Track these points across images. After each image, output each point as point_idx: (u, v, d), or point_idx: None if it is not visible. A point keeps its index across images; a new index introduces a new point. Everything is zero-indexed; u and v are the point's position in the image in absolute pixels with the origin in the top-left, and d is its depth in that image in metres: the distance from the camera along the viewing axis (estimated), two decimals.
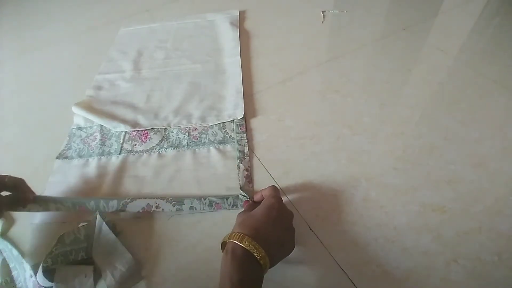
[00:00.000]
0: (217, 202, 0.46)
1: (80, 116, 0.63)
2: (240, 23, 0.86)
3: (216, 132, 0.57)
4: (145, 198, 0.46)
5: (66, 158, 0.56)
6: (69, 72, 0.79)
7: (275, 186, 0.42)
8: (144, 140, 0.57)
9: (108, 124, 0.60)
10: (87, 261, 0.40)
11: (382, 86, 0.64)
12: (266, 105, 0.62)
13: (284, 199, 0.46)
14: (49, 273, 0.38)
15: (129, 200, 0.45)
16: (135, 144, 0.57)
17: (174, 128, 0.59)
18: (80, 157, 0.56)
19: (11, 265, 0.41)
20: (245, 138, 0.55)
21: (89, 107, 0.64)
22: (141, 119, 0.61)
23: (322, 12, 0.88)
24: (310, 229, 0.43)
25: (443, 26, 0.79)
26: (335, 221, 0.43)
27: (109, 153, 0.55)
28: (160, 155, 0.55)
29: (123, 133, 0.59)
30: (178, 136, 0.57)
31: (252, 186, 0.49)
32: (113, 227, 0.43)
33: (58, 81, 0.76)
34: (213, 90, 0.66)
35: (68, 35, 0.94)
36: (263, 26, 0.85)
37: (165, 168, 0.52)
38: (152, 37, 0.85)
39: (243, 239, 0.32)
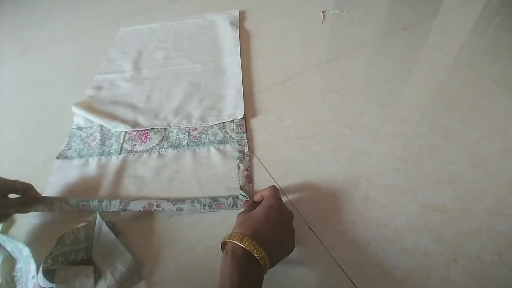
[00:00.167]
0: (217, 202, 0.46)
1: (80, 116, 0.63)
2: (240, 23, 0.86)
3: (216, 132, 0.57)
4: (146, 198, 0.46)
5: (66, 158, 0.56)
6: (69, 72, 0.79)
7: (275, 186, 0.42)
8: (144, 140, 0.57)
9: (108, 124, 0.60)
10: (87, 261, 0.40)
11: (382, 86, 0.64)
12: (266, 105, 0.62)
13: (284, 199, 0.46)
14: (49, 274, 0.38)
15: (131, 199, 0.46)
16: (135, 144, 0.57)
17: (174, 128, 0.59)
18: (80, 157, 0.56)
19: (17, 266, 0.41)
20: (245, 138, 0.55)
21: (89, 107, 0.64)
22: (141, 119, 0.61)
23: (322, 12, 0.88)
24: (310, 229, 0.43)
25: (443, 26, 0.79)
26: (335, 221, 0.43)
27: (109, 153, 0.55)
28: (160, 155, 0.55)
29: (123, 133, 0.59)
30: (178, 136, 0.57)
31: (252, 186, 0.49)
32: (113, 227, 0.43)
33: (58, 81, 0.76)
34: (213, 90, 0.66)
35: (68, 35, 0.94)
36: (263, 26, 0.85)
37: (165, 168, 0.52)
38: (152, 37, 0.85)
39: (243, 239, 0.32)
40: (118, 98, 0.67)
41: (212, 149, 0.55)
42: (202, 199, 0.46)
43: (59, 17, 1.05)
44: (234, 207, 0.45)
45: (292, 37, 0.80)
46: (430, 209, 0.44)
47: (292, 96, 0.63)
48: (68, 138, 0.60)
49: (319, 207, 0.45)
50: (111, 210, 0.45)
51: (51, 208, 0.46)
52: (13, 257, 0.42)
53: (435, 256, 0.39)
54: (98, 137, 0.58)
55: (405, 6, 0.88)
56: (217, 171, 0.51)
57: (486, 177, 0.47)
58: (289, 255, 0.37)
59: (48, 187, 0.51)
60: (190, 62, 0.75)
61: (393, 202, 0.45)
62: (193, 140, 0.57)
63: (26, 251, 0.40)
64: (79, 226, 0.42)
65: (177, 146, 0.56)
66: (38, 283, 0.37)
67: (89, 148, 0.57)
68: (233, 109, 0.61)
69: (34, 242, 0.44)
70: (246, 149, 0.53)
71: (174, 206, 0.45)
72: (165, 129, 0.59)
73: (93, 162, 0.54)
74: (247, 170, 0.50)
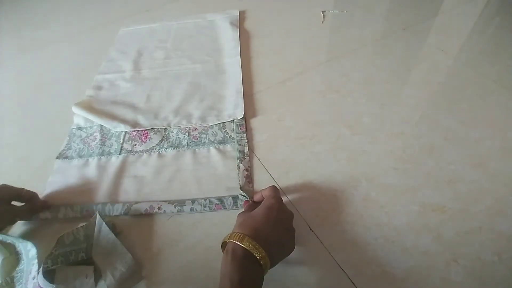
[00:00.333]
0: (217, 203, 0.46)
1: (80, 116, 0.63)
2: (240, 23, 0.86)
3: (216, 132, 0.57)
4: (148, 201, 0.47)
5: (66, 158, 0.56)
6: (69, 72, 0.79)
7: (275, 186, 0.42)
8: (144, 140, 0.57)
9: (108, 124, 0.60)
10: (87, 261, 0.40)
11: (382, 86, 0.64)
12: (266, 105, 0.62)
13: (284, 199, 0.46)
14: (49, 275, 0.38)
15: (133, 202, 0.46)
16: (135, 144, 0.57)
17: (174, 128, 0.59)
18: (80, 157, 0.56)
19: (19, 267, 0.41)
20: (245, 138, 0.55)
21: (89, 107, 0.64)
22: (141, 119, 0.61)
23: (322, 12, 0.88)
24: (310, 229, 0.43)
25: (443, 26, 0.79)
26: (335, 221, 0.43)
27: (109, 153, 0.55)
28: (160, 155, 0.55)
29: (123, 133, 0.59)
30: (178, 136, 0.57)
31: (252, 186, 0.49)
32: (113, 227, 0.43)
33: (58, 81, 0.76)
34: (213, 90, 0.66)
35: (68, 35, 0.94)
36: (263, 26, 0.85)
37: (165, 168, 0.52)
38: (152, 37, 0.85)
39: (244, 239, 0.32)
40: (118, 98, 0.67)
41: (212, 149, 0.54)
42: (202, 200, 0.46)
43: (59, 17, 1.05)
44: (234, 207, 0.45)
45: (292, 37, 0.80)
46: (430, 209, 0.44)
47: (292, 96, 0.63)
48: (68, 138, 0.60)
49: (319, 207, 0.45)
50: (113, 215, 0.46)
51: (56, 216, 0.46)
52: (14, 257, 0.42)
53: (435, 256, 0.39)
54: (98, 137, 0.58)
55: (405, 6, 0.88)
56: (217, 171, 0.51)
57: (486, 177, 0.47)
58: (289, 255, 0.37)
59: (48, 187, 0.51)
60: (190, 62, 0.75)
61: (393, 202, 0.45)
62: (193, 140, 0.57)
63: (33, 252, 0.40)
64: (79, 226, 0.42)
65: (177, 146, 0.56)
66: (39, 284, 0.37)
67: (89, 148, 0.57)
68: (233, 109, 0.61)
69: (33, 241, 0.44)
70: (246, 149, 0.53)
71: (175, 208, 0.46)
72: (165, 129, 0.59)
73: (93, 162, 0.54)
74: (247, 170, 0.50)
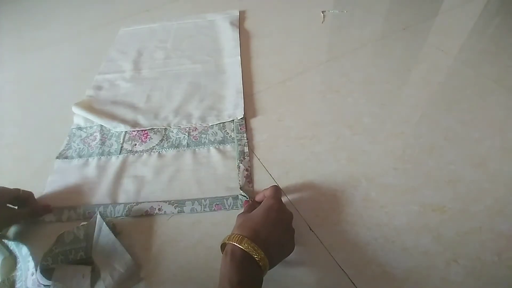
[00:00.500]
0: (217, 203, 0.46)
1: (80, 116, 0.63)
2: (240, 23, 0.86)
3: (216, 132, 0.57)
4: (148, 202, 0.47)
5: (66, 158, 0.56)
6: (69, 72, 0.79)
7: (277, 186, 0.42)
8: (144, 140, 0.57)
9: (108, 124, 0.60)
10: (86, 260, 0.40)
11: (382, 86, 0.64)
12: (266, 105, 0.62)
13: (284, 199, 0.46)
14: (47, 272, 0.38)
15: (134, 204, 0.47)
16: (135, 144, 0.57)
17: (174, 128, 0.59)
18: (80, 157, 0.56)
19: (18, 265, 0.41)
20: (245, 138, 0.55)
21: (89, 107, 0.64)
22: (141, 119, 0.61)
23: (322, 12, 0.88)
24: (310, 229, 0.43)
25: (443, 26, 0.79)
26: (335, 221, 0.43)
27: (109, 153, 0.55)
28: (160, 155, 0.55)
29: (123, 133, 0.59)
30: (178, 136, 0.57)
31: (252, 186, 0.49)
32: (113, 227, 0.43)
33: (58, 81, 0.76)
34: (213, 90, 0.66)
35: (68, 35, 0.94)
36: (263, 26, 0.85)
37: (165, 168, 0.52)
38: (152, 37, 0.85)
39: (243, 241, 0.32)
40: (118, 98, 0.67)
41: (212, 149, 0.54)
42: (202, 200, 0.46)
43: (59, 17, 1.05)
44: (234, 208, 0.45)
45: (292, 37, 0.80)
46: (430, 209, 0.44)
47: (292, 96, 0.63)
48: (68, 138, 0.60)
49: (319, 207, 0.45)
50: (115, 216, 0.46)
51: (59, 218, 0.47)
52: (14, 257, 0.42)
53: (435, 256, 0.39)
54: (98, 137, 0.58)
55: (405, 6, 0.88)
56: (217, 171, 0.51)
57: (486, 177, 0.47)
58: (289, 255, 0.37)
59: (48, 187, 0.51)
60: (190, 62, 0.75)
61: (393, 202, 0.45)
62: (193, 140, 0.56)
63: (25, 250, 0.40)
64: (79, 225, 0.42)
65: (177, 146, 0.56)
66: (38, 280, 0.37)
67: (89, 148, 0.57)
68: (233, 109, 0.61)
69: (33, 241, 0.44)
70: (246, 149, 0.53)
71: (175, 208, 0.46)
72: (165, 129, 0.59)
73: (93, 162, 0.54)
74: (247, 170, 0.50)
